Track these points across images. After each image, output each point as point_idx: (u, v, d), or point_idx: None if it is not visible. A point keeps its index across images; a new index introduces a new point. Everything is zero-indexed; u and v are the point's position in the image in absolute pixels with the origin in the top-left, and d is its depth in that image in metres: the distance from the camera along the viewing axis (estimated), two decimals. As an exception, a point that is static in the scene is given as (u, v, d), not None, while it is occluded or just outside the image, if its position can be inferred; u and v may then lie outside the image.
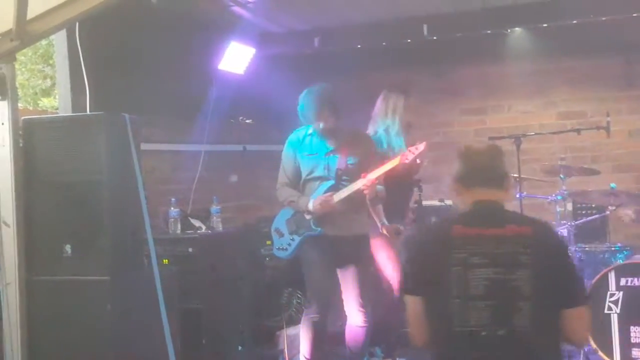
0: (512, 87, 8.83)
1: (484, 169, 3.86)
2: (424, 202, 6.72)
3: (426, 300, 3.65)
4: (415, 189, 6.54)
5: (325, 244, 5.89)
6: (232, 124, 8.45)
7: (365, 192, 5.71)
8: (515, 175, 7.19)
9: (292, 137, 6.11)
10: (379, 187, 5.88)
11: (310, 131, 6.01)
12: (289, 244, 6.01)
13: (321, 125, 5.85)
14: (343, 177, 5.88)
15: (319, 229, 5.87)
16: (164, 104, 6.94)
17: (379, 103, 6.61)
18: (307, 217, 5.91)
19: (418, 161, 5.96)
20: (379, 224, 6.24)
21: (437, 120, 9.10)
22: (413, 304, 3.67)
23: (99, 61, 6.01)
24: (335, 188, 5.84)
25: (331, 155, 5.93)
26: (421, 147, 5.75)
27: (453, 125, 8.92)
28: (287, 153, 6.10)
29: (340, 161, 5.90)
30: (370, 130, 6.52)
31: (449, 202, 8.66)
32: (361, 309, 6.01)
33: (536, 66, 8.66)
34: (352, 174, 5.84)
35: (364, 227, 6.11)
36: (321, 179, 5.91)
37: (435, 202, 8.55)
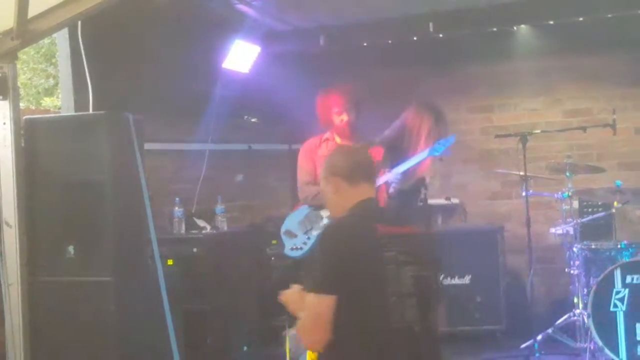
0: (519, 85, 8.77)
1: (369, 165, 3.89)
2: (430, 201, 6.64)
3: (350, 299, 3.51)
4: (422, 188, 6.47)
5: None
6: (237, 123, 8.39)
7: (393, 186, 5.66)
8: (521, 173, 7.18)
9: (306, 144, 6.25)
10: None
11: (327, 136, 6.12)
12: (305, 243, 6.00)
13: (344, 127, 5.99)
14: None
15: None
16: (168, 103, 6.88)
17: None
18: (324, 214, 5.90)
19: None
20: None
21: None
22: (327, 304, 3.49)
23: (102, 60, 5.96)
24: None
25: None
26: (451, 139, 5.71)
27: (459, 123, 8.83)
28: (305, 155, 6.21)
29: None
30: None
31: (455, 200, 8.61)
32: None
33: (542, 64, 8.59)
34: None
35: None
36: None
37: (442, 201, 8.51)
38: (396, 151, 5.92)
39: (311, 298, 3.52)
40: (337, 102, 5.99)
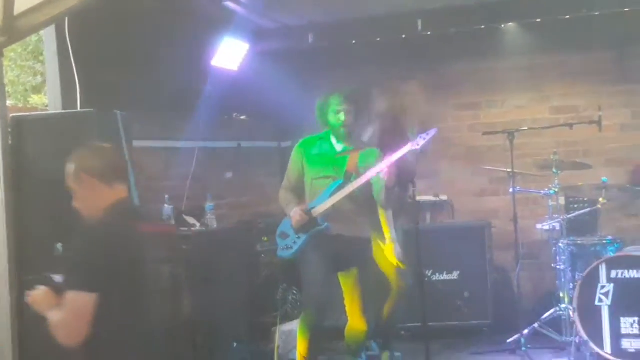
0: (506, 82, 8.74)
1: (122, 165, 3.99)
2: (418, 198, 6.65)
3: (109, 297, 3.53)
4: (410, 185, 6.44)
5: (327, 245, 5.83)
6: (226, 121, 8.36)
7: (386, 176, 5.61)
8: (508, 169, 7.16)
9: (301, 142, 6.13)
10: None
11: (320, 136, 6.05)
12: (295, 242, 5.95)
13: (341, 128, 5.89)
14: (352, 178, 5.83)
15: (326, 223, 5.81)
16: (157, 100, 6.83)
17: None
18: (314, 214, 5.85)
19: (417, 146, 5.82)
20: (386, 238, 6.29)
21: (430, 116, 8.97)
22: (87, 301, 3.50)
23: (90, 57, 5.92)
24: (343, 188, 5.79)
25: (341, 156, 5.93)
26: (432, 132, 5.67)
27: (447, 120, 8.80)
28: (294, 158, 6.10)
29: (350, 163, 5.89)
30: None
31: (444, 197, 8.62)
32: (363, 313, 5.94)
33: (530, 61, 8.57)
34: (360, 176, 5.80)
35: (367, 230, 6.09)
36: (330, 178, 5.89)
37: (430, 198, 8.54)
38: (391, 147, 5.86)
39: (72, 295, 3.53)
40: (336, 101, 5.90)
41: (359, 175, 5.79)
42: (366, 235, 6.05)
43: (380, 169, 5.61)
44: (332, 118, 5.91)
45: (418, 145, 5.64)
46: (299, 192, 6.04)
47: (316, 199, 5.87)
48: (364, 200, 5.89)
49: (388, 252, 6.42)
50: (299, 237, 5.91)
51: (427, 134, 5.66)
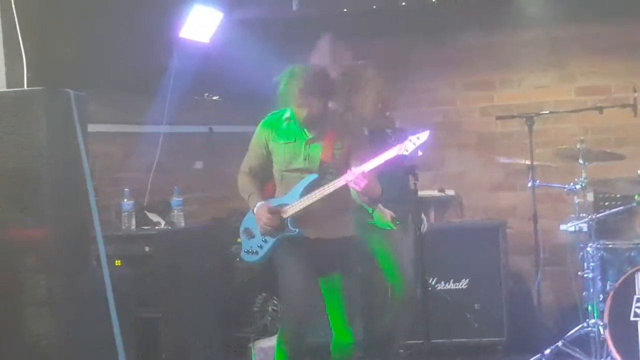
0: (524, 58, 8.80)
1: None
2: (420, 193, 6.65)
3: None
4: (410, 177, 6.47)
5: (304, 248, 5.76)
6: (196, 102, 8.42)
7: (356, 188, 5.49)
8: (527, 160, 7.21)
9: (266, 120, 5.98)
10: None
11: (287, 115, 5.86)
12: (260, 247, 5.90)
13: (304, 112, 5.70)
14: (329, 170, 5.71)
15: (297, 229, 5.74)
16: (116, 78, 6.90)
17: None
18: (284, 215, 5.76)
19: (420, 153, 5.81)
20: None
21: (436, 97, 9.08)
22: None
23: (38, 27, 5.94)
24: (318, 183, 5.67)
25: (313, 143, 5.78)
26: (424, 137, 5.56)
27: (455, 102, 8.90)
28: (257, 138, 5.97)
29: (324, 151, 5.76)
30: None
31: (450, 192, 8.65)
32: (348, 325, 5.98)
33: (552, 33, 8.62)
34: (339, 167, 5.68)
35: (350, 227, 6.01)
36: (302, 171, 5.76)
37: (434, 192, 8.54)
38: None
39: None
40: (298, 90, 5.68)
41: (335, 164, 5.70)
42: (349, 233, 5.95)
43: (351, 177, 5.47)
44: (295, 110, 5.76)
45: (407, 150, 5.47)
46: (261, 180, 5.97)
47: (286, 195, 5.77)
48: (344, 195, 5.75)
49: (378, 219, 6.45)
50: (265, 241, 5.84)
51: (418, 138, 5.48)
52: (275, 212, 5.71)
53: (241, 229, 6.08)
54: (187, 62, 7.64)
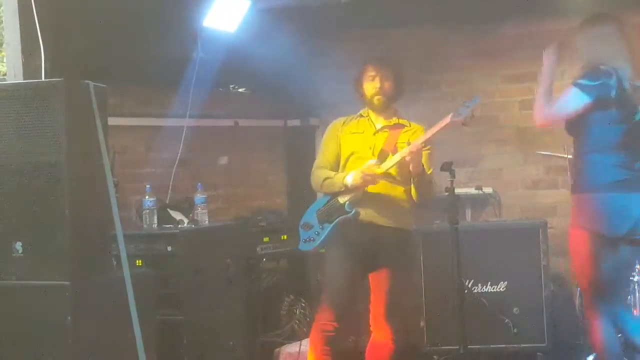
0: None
1: None
2: (457, 191, 6.63)
3: None
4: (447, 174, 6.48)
5: (359, 234, 6.05)
6: (221, 94, 8.44)
7: (407, 158, 5.75)
8: (569, 155, 7.16)
9: (338, 119, 6.37)
10: None
11: (360, 112, 6.28)
12: (317, 233, 6.15)
13: (379, 98, 6.14)
14: (387, 159, 5.99)
15: (354, 209, 6.00)
16: (137, 69, 6.94)
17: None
18: (342, 200, 6.06)
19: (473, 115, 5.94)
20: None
21: (473, 89, 9.04)
22: None
23: (57, 17, 5.97)
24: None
25: (380, 134, 6.17)
26: (477, 99, 5.80)
27: (494, 95, 8.87)
28: (331, 132, 6.35)
29: (388, 141, 6.11)
30: None
31: (488, 189, 8.64)
32: (388, 323, 6.04)
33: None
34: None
35: (408, 220, 6.25)
36: (364, 159, 6.08)
37: (472, 190, 8.53)
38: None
39: None
40: (371, 67, 6.14)
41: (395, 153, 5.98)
42: (405, 226, 6.21)
43: (408, 151, 5.75)
44: (367, 86, 6.15)
45: (461, 115, 5.77)
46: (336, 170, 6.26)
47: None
48: (406, 187, 6.10)
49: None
50: (322, 228, 6.11)
51: (472, 102, 5.83)
52: (371, 166, 5.98)
53: (300, 225, 6.33)
54: (211, 52, 7.67)
